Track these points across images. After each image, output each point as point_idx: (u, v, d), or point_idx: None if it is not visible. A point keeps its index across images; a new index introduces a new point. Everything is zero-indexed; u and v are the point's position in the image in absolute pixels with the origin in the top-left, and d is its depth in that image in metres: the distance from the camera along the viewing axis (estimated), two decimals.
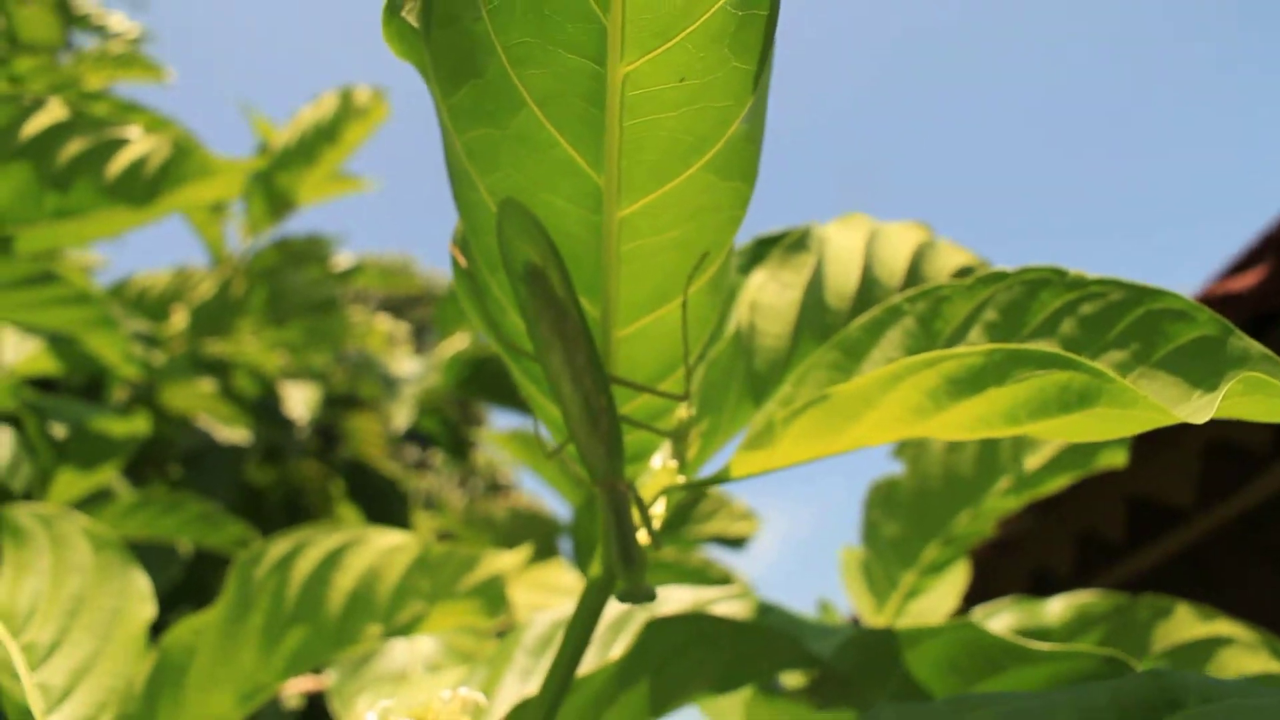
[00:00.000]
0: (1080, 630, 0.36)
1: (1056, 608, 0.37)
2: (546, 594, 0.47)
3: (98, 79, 0.83)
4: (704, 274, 0.19)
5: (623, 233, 0.18)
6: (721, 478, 0.22)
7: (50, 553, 0.36)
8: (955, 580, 0.46)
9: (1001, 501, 0.41)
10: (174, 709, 0.32)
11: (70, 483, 0.59)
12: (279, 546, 0.35)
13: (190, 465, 0.75)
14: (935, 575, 0.44)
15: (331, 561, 0.35)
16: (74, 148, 0.40)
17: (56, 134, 0.40)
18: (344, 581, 0.35)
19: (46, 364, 0.64)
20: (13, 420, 0.60)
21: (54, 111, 0.40)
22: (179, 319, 0.76)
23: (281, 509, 0.79)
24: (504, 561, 0.37)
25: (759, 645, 0.31)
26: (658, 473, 0.23)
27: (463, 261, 0.22)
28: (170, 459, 0.77)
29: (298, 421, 0.83)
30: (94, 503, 0.60)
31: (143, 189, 0.41)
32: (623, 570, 0.20)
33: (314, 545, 0.36)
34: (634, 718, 0.30)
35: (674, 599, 0.33)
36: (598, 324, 0.20)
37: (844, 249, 0.30)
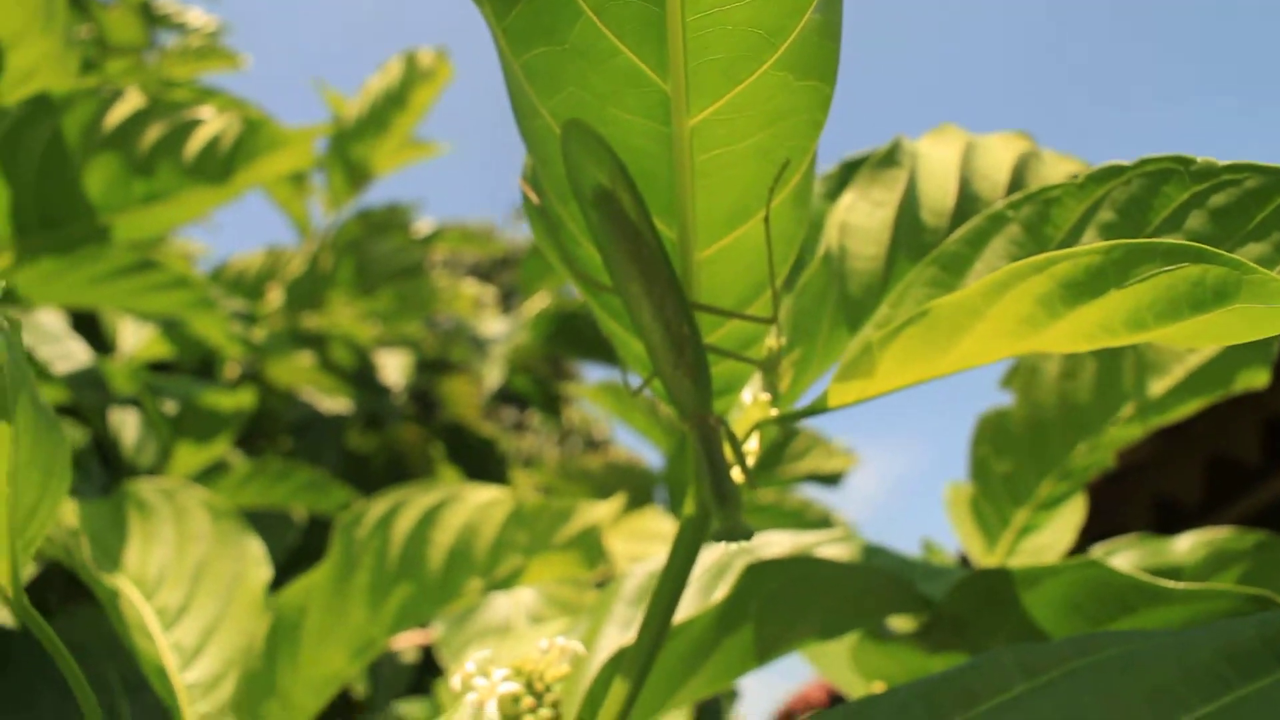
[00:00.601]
0: (1215, 570, 0.34)
1: (1186, 545, 0.35)
2: (643, 542, 0.47)
3: (181, 73, 0.86)
4: (786, 185, 0.18)
5: (695, 143, 0.17)
6: (817, 408, 0.20)
7: (173, 523, 0.38)
8: (1072, 516, 0.43)
9: (1124, 430, 0.38)
10: (292, 665, 0.33)
11: (188, 456, 0.62)
12: (378, 507, 0.36)
13: (297, 436, 0.78)
14: (1050, 511, 0.41)
15: (430, 519, 0.36)
16: (154, 133, 0.41)
17: (137, 121, 0.41)
18: (443, 538, 0.36)
19: (161, 349, 0.67)
20: (134, 403, 0.64)
21: (132, 100, 0.41)
22: (274, 296, 0.78)
23: (385, 474, 0.82)
24: (598, 512, 0.37)
25: (866, 588, 0.29)
26: (749, 407, 0.22)
27: (534, 197, 0.21)
28: (280, 431, 0.80)
29: (394, 388, 0.85)
30: (211, 475, 0.63)
31: (219, 166, 0.42)
32: (717, 508, 0.19)
33: (412, 504, 0.36)
34: (738, 664, 0.29)
35: (775, 543, 0.32)
36: (675, 247, 0.19)
37: (938, 163, 0.28)
